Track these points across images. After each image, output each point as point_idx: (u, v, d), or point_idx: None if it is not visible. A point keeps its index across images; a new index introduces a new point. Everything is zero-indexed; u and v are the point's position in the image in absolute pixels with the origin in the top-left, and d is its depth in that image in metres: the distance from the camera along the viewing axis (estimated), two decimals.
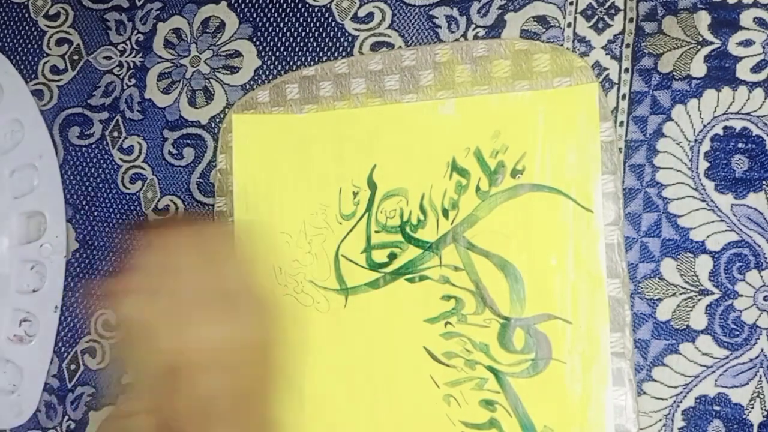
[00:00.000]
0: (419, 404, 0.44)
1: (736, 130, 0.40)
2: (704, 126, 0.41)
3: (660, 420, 0.40)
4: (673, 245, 0.41)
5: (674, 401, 0.40)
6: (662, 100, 0.41)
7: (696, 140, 0.41)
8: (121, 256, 0.52)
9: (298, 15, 0.49)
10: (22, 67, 0.56)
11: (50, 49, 0.55)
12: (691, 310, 0.40)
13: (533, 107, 0.42)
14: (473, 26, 0.45)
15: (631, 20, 0.42)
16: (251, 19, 0.50)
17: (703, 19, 0.41)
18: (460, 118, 0.44)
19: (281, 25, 0.49)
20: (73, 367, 0.53)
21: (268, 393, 0.39)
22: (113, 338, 0.39)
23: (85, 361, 0.53)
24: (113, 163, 0.53)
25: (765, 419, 0.39)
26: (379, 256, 0.45)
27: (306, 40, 0.49)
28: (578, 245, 0.41)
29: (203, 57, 0.51)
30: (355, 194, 0.46)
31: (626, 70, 0.42)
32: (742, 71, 0.40)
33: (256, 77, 0.50)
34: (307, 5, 0.49)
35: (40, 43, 0.55)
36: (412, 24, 0.46)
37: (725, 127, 0.40)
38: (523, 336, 0.42)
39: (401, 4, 0.47)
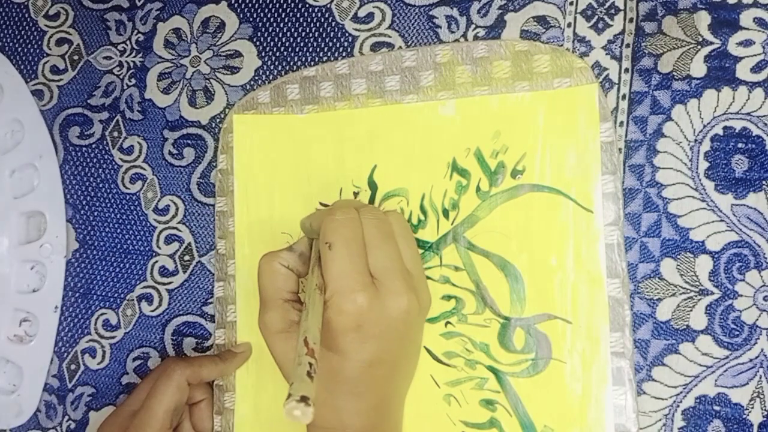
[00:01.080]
0: (419, 404, 0.44)
1: (736, 130, 0.40)
2: (704, 126, 0.41)
3: (660, 420, 0.40)
4: (673, 245, 0.41)
5: (674, 401, 0.40)
6: (662, 100, 0.41)
7: (696, 140, 0.41)
8: None
9: (298, 15, 0.49)
10: (22, 67, 0.56)
11: (50, 49, 0.55)
12: (691, 310, 0.40)
13: (533, 108, 0.42)
14: (473, 26, 0.45)
15: (631, 20, 0.42)
16: (251, 20, 0.50)
17: (703, 19, 0.41)
18: (460, 118, 0.44)
19: (281, 25, 0.49)
20: (73, 367, 0.53)
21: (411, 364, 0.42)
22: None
23: (85, 361, 0.53)
24: (113, 163, 0.53)
25: (765, 419, 0.39)
26: None
27: (306, 40, 0.49)
28: (578, 245, 0.41)
29: (203, 57, 0.51)
30: (355, 194, 0.46)
31: (626, 70, 0.42)
32: (742, 71, 0.40)
33: (256, 77, 0.50)
34: (307, 5, 0.49)
35: (40, 43, 0.55)
36: (412, 24, 0.46)
37: (725, 127, 0.40)
38: (523, 336, 0.42)
39: (401, 4, 0.47)
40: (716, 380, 0.40)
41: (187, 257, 0.51)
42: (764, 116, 0.40)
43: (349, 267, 0.37)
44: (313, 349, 0.32)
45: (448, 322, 0.44)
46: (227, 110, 0.50)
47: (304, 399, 0.28)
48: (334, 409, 0.38)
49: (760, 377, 0.39)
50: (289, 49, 0.49)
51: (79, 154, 0.54)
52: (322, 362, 0.37)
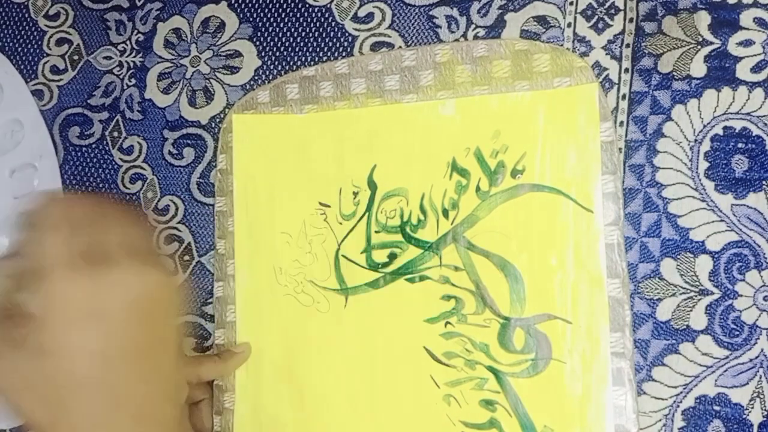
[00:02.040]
0: (419, 404, 0.44)
1: (736, 130, 0.40)
2: (704, 126, 0.41)
3: (660, 420, 0.40)
4: (673, 245, 0.41)
5: (674, 401, 0.40)
6: (662, 100, 0.41)
7: (696, 140, 0.41)
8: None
9: (298, 15, 0.49)
10: (22, 67, 0.56)
11: (50, 49, 0.55)
12: (691, 310, 0.40)
13: (533, 107, 0.42)
14: (473, 26, 0.45)
15: (631, 20, 0.42)
16: (251, 19, 0.50)
17: (703, 19, 0.41)
18: (460, 118, 0.44)
19: (281, 25, 0.49)
20: None
21: (154, 354, 0.36)
22: None
23: None
24: (113, 163, 0.53)
25: (765, 419, 0.39)
26: (380, 256, 0.45)
27: (306, 40, 0.49)
28: (578, 245, 0.41)
29: (203, 57, 0.51)
30: (355, 194, 0.46)
31: (626, 70, 0.42)
32: (742, 71, 0.40)
33: (256, 77, 0.50)
34: (307, 5, 0.49)
35: (40, 43, 0.55)
36: (412, 24, 0.46)
37: (725, 127, 0.40)
38: (523, 336, 0.42)
39: (401, 4, 0.47)
40: (716, 380, 0.40)
41: (186, 257, 0.51)
42: (764, 116, 0.40)
43: None
44: None
45: (447, 323, 0.44)
46: (227, 110, 0.50)
47: None
48: None
49: (760, 377, 0.39)
50: (289, 49, 0.49)
51: (79, 154, 0.54)
52: None
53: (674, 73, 0.41)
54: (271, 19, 0.50)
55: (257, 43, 0.50)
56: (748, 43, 0.40)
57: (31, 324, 0.33)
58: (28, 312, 0.33)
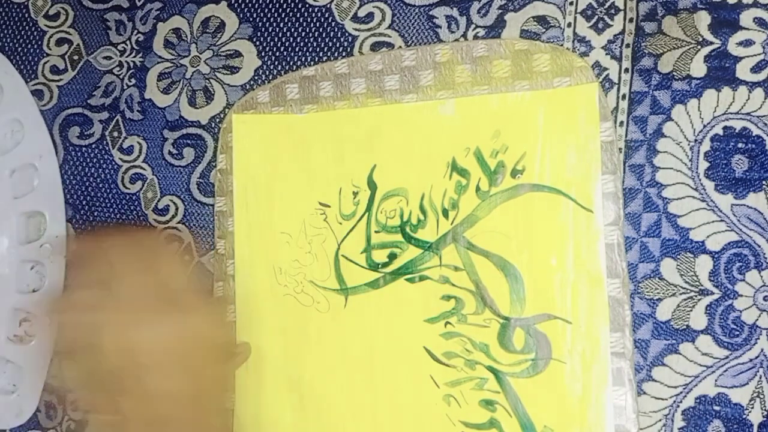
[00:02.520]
0: (419, 404, 0.44)
1: (736, 130, 0.40)
2: (704, 126, 0.41)
3: (660, 420, 0.40)
4: (673, 245, 0.41)
5: (674, 401, 0.40)
6: (662, 100, 0.41)
7: (696, 140, 0.41)
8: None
9: (298, 15, 0.49)
10: (22, 67, 0.56)
11: (50, 49, 0.55)
12: (691, 310, 0.40)
13: (533, 107, 0.42)
14: (473, 26, 0.45)
15: (631, 20, 0.42)
16: (251, 19, 0.50)
17: (703, 19, 0.41)
18: (460, 118, 0.44)
19: (281, 25, 0.49)
20: None
21: (218, 392, 0.40)
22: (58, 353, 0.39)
23: None
24: (113, 163, 0.53)
25: (765, 419, 0.39)
26: (379, 256, 0.45)
27: (306, 40, 0.49)
28: (578, 245, 0.41)
29: (203, 57, 0.51)
30: (355, 194, 0.46)
31: (626, 70, 0.42)
32: (742, 71, 0.40)
33: (256, 77, 0.50)
34: (307, 5, 0.49)
35: (40, 43, 0.55)
36: (412, 24, 0.46)
37: (725, 127, 0.40)
38: (523, 336, 0.42)
39: (401, 4, 0.47)
40: (716, 380, 0.40)
41: (186, 257, 0.51)
42: (764, 116, 0.40)
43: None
44: None
45: (447, 323, 0.44)
46: (227, 110, 0.50)
47: None
48: None
49: (760, 377, 0.39)
50: (289, 49, 0.49)
51: (79, 154, 0.54)
52: None
53: (674, 73, 0.41)
54: (271, 19, 0.50)
55: (257, 43, 0.50)
56: (748, 43, 0.40)
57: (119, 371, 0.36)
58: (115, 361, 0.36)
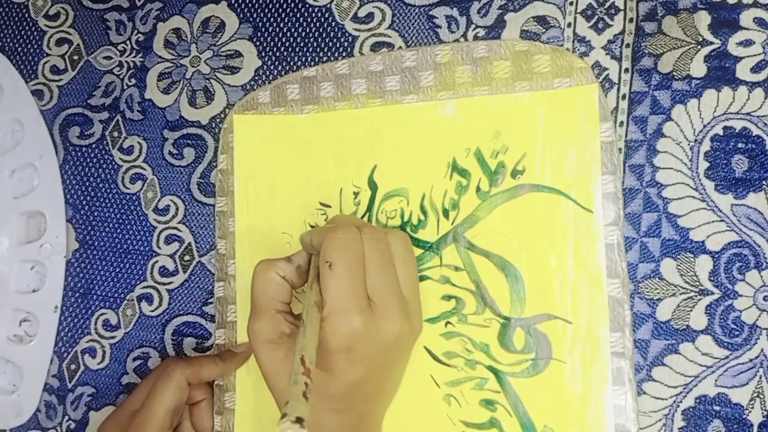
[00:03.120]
0: (419, 404, 0.44)
1: (736, 130, 0.40)
2: (704, 126, 0.41)
3: (660, 420, 0.40)
4: (673, 245, 0.41)
5: (674, 401, 0.40)
6: (662, 100, 0.41)
7: (696, 140, 0.41)
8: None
9: (298, 15, 0.49)
10: (22, 67, 0.56)
11: (50, 49, 0.55)
12: (691, 310, 0.40)
13: (533, 108, 0.42)
14: (473, 26, 0.45)
15: (631, 20, 0.42)
16: (251, 19, 0.50)
17: (703, 19, 0.41)
18: (460, 118, 0.44)
19: (281, 25, 0.49)
20: (73, 367, 0.53)
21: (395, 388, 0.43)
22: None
23: (85, 361, 0.53)
24: (113, 163, 0.53)
25: (765, 419, 0.39)
26: None
27: (306, 40, 0.49)
28: (578, 245, 0.41)
29: (203, 57, 0.51)
30: (355, 194, 0.46)
31: (626, 70, 0.42)
32: (742, 71, 0.40)
33: (256, 77, 0.50)
34: (307, 5, 0.49)
35: (40, 43, 0.55)
36: (412, 24, 0.46)
37: (725, 127, 0.40)
38: (523, 336, 0.42)
39: (401, 4, 0.47)
40: (716, 380, 0.40)
41: (187, 257, 0.51)
42: (764, 116, 0.40)
43: (348, 288, 0.37)
44: (309, 369, 0.32)
45: (448, 322, 0.44)
46: (227, 110, 0.50)
47: (299, 420, 0.28)
48: (314, 425, 0.38)
49: (760, 377, 0.39)
50: (289, 49, 0.49)
51: (79, 154, 0.54)
52: None
53: (674, 73, 0.41)
54: (271, 19, 0.50)
55: (257, 43, 0.50)
56: (748, 43, 0.40)
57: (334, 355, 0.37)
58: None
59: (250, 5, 0.50)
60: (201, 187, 0.51)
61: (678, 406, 0.40)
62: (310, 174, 0.47)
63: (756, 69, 0.40)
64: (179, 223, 0.51)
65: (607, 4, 0.42)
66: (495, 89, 0.43)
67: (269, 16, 0.50)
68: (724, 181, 0.40)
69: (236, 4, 0.50)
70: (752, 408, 0.39)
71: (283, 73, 0.49)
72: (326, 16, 0.48)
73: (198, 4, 0.51)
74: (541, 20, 0.44)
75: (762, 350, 0.39)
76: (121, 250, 0.52)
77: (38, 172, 0.54)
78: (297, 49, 0.49)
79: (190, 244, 0.51)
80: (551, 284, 0.42)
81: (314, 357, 0.33)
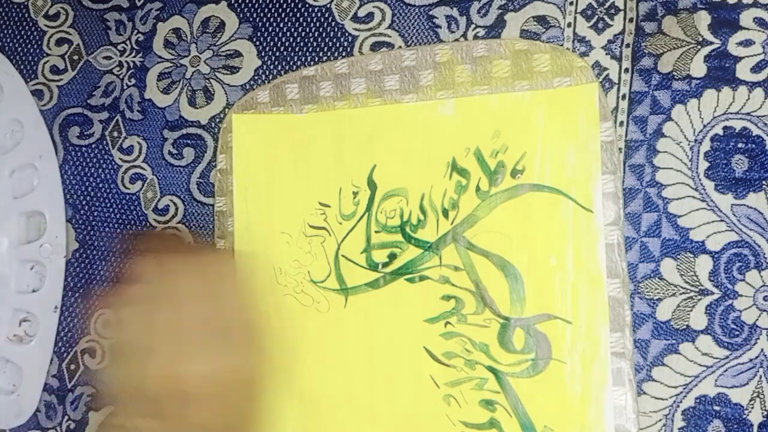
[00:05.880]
0: (419, 404, 0.44)
1: (736, 130, 0.40)
2: (704, 126, 0.41)
3: (660, 420, 0.40)
4: (673, 245, 0.41)
5: (674, 401, 0.40)
6: (662, 100, 0.41)
7: (696, 140, 0.41)
8: (123, 262, 0.52)
9: (298, 15, 0.49)
10: (22, 67, 0.56)
11: (50, 49, 0.55)
12: (691, 310, 0.40)
13: (533, 107, 0.42)
14: (473, 26, 0.45)
15: (631, 20, 0.42)
16: (251, 19, 0.50)
17: (703, 19, 0.41)
18: (460, 118, 0.44)
19: (281, 25, 0.49)
20: (73, 367, 0.53)
21: (249, 427, 0.40)
22: (110, 341, 0.40)
23: (85, 361, 0.53)
24: (113, 163, 0.53)
25: (765, 419, 0.39)
26: (379, 256, 0.45)
27: (306, 40, 0.49)
28: (578, 245, 0.41)
29: (203, 57, 0.51)
30: (355, 194, 0.46)
31: (626, 70, 0.42)
32: (742, 71, 0.40)
33: (256, 77, 0.50)
34: (307, 5, 0.49)
35: (40, 43, 0.55)
36: (412, 24, 0.46)
37: (725, 127, 0.40)
38: (523, 336, 0.42)
39: (401, 4, 0.47)
40: (716, 380, 0.40)
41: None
42: (764, 116, 0.40)
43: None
44: None
45: (447, 323, 0.44)
46: (227, 110, 0.50)
47: None
48: None
49: (760, 377, 0.39)
50: (289, 49, 0.49)
51: (79, 154, 0.54)
52: None
53: (674, 73, 0.41)
54: (271, 19, 0.50)
55: (257, 43, 0.50)
56: (748, 43, 0.40)
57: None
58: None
59: (249, 5, 0.50)
60: (200, 187, 0.51)
61: (678, 406, 0.40)
62: (310, 173, 0.47)
63: (756, 69, 0.40)
64: (179, 223, 0.51)
65: (607, 4, 0.42)
66: (495, 88, 0.43)
67: (269, 16, 0.50)
68: (724, 181, 0.40)
69: (236, 4, 0.51)
70: (752, 408, 0.39)
71: (282, 72, 0.49)
72: (326, 15, 0.48)
73: (198, 4, 0.51)
74: (541, 20, 0.44)
75: (762, 350, 0.39)
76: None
77: (38, 172, 0.54)
78: (297, 49, 0.49)
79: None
80: (551, 284, 0.41)
81: None
